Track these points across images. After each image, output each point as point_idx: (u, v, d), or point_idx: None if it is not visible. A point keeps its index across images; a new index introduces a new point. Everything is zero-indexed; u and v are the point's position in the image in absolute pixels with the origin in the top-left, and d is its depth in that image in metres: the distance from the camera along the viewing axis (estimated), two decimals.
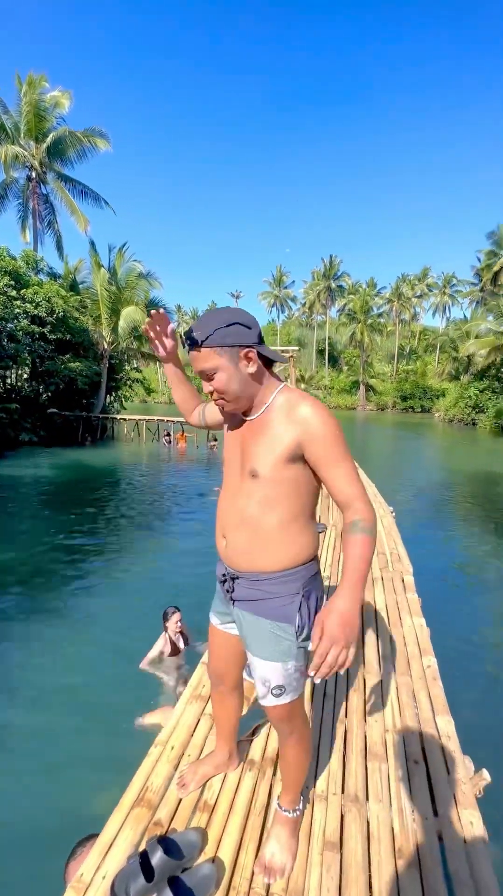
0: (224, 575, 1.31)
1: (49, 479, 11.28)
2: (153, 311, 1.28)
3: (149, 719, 2.92)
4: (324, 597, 1.29)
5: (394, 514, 5.79)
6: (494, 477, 13.27)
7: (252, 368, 1.11)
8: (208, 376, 1.12)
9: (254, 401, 1.16)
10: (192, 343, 1.08)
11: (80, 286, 20.64)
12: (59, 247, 22.00)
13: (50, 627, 4.10)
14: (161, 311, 1.30)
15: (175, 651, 3.53)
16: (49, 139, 19.48)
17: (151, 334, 1.34)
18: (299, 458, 1.13)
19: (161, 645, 3.54)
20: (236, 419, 1.24)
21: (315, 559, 1.26)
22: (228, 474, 1.26)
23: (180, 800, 1.60)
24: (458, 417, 32.08)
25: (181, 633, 3.59)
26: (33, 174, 20.20)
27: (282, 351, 8.58)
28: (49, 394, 17.60)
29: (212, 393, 1.14)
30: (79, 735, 2.83)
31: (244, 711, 2.03)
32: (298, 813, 1.46)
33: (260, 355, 1.13)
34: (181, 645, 3.56)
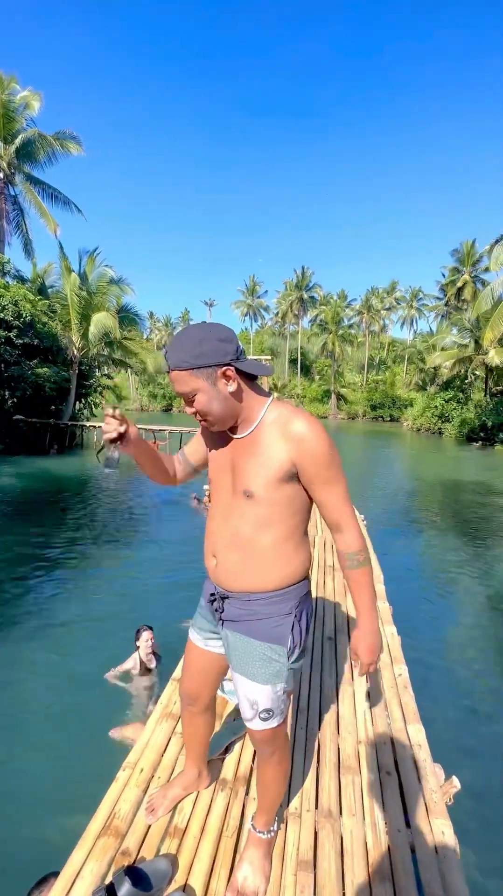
0: (213, 594, 1.27)
1: (13, 488, 10.86)
2: (106, 414, 1.12)
3: (122, 733, 2.83)
4: (313, 614, 1.31)
5: (365, 522, 5.88)
6: (460, 485, 13.73)
7: (232, 387, 1.05)
8: (188, 399, 1.08)
9: (241, 418, 1.11)
10: (169, 366, 1.04)
11: (49, 290, 20.17)
12: (28, 250, 21.47)
13: (13, 642, 3.91)
14: (113, 411, 1.12)
15: (145, 671, 3.43)
16: (18, 140, 19.07)
17: (112, 436, 1.13)
18: (294, 476, 1.10)
19: (131, 664, 3.44)
20: (223, 437, 1.19)
21: (307, 578, 1.25)
22: (217, 493, 1.22)
23: (149, 826, 1.54)
24: (426, 426, 33.09)
25: (153, 652, 3.50)
26: (1, 175, 19.70)
27: (255, 359, 8.58)
28: (14, 400, 17.01)
29: (195, 414, 1.10)
30: (43, 754, 2.71)
31: (217, 728, 1.99)
32: (272, 834, 1.43)
33: (241, 371, 1.07)
34: (152, 665, 3.47)
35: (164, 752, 1.86)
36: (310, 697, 2.24)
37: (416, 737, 1.99)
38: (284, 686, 1.22)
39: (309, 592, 1.26)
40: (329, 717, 2.11)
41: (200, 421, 1.12)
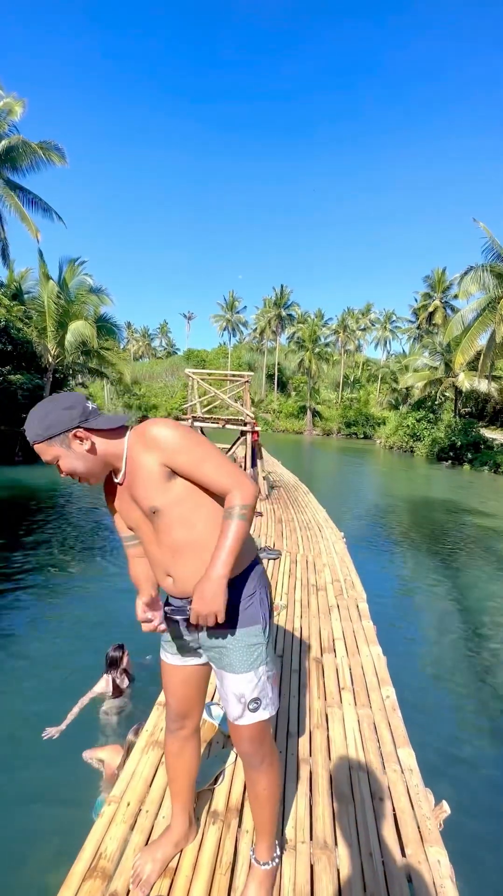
0: (179, 608, 1.28)
1: None
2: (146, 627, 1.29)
3: (95, 755, 2.68)
4: (269, 590, 1.34)
5: (345, 539, 5.92)
6: (432, 503, 14.07)
7: (87, 445, 1.16)
8: (57, 467, 1.19)
9: (110, 465, 1.21)
10: (30, 440, 1.15)
11: (26, 296, 19.75)
12: (5, 255, 21.04)
13: None
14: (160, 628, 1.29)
15: (118, 692, 3.30)
16: (0, 146, 18.84)
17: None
18: (172, 474, 1.16)
19: (102, 686, 3.29)
20: (113, 489, 1.29)
21: (258, 558, 1.33)
22: (140, 531, 1.27)
23: None
24: (398, 445, 33.90)
25: (126, 671, 3.37)
26: None
27: (237, 376, 8.66)
28: None
29: (69, 475, 1.19)
30: (11, 785, 2.53)
31: (206, 756, 1.93)
32: (276, 863, 1.39)
33: (93, 428, 1.16)
34: (125, 685, 3.34)
35: (152, 783, 1.78)
36: (300, 721, 2.21)
37: (407, 761, 1.98)
38: (266, 669, 1.27)
39: (264, 570, 1.33)
40: (319, 742, 2.08)
41: (79, 480, 1.20)
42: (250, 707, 1.25)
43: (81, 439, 1.15)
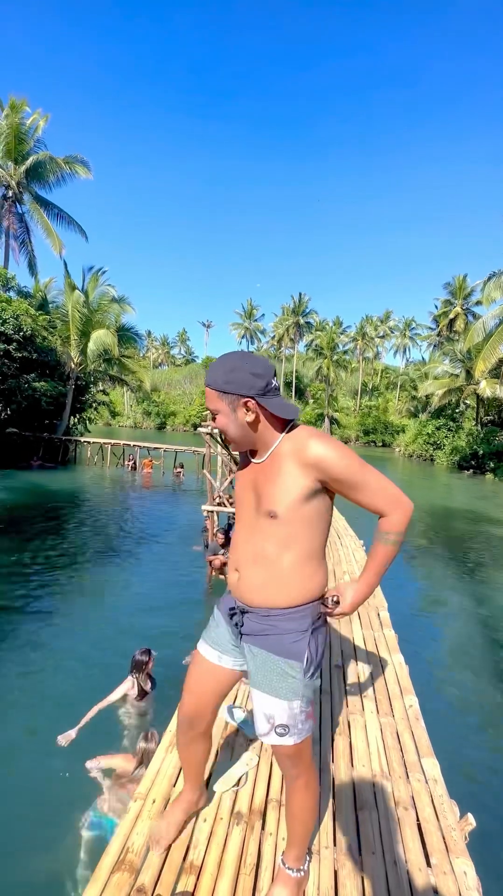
0: (233, 608, 1.30)
1: (2, 501, 10.69)
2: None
3: (104, 763, 2.69)
4: (328, 634, 1.32)
5: (364, 547, 5.88)
6: (453, 512, 13.81)
7: (250, 417, 1.14)
8: (212, 415, 1.19)
9: (257, 445, 1.20)
10: (206, 382, 1.16)
11: (50, 306, 20.36)
12: (32, 266, 21.76)
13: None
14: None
15: (142, 695, 3.34)
16: (28, 162, 19.57)
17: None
18: (317, 493, 1.16)
19: (127, 687, 3.34)
20: (246, 460, 1.28)
21: (323, 596, 1.27)
22: (242, 512, 1.29)
23: (164, 861, 1.48)
24: (418, 453, 33.41)
25: (150, 675, 3.42)
26: (10, 194, 20.11)
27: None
28: (9, 412, 16.92)
29: (219, 429, 1.21)
30: (30, 789, 2.59)
31: (230, 758, 1.95)
32: (303, 873, 1.39)
33: (263, 406, 1.13)
34: (148, 687, 3.39)
35: (176, 782, 1.81)
36: (322, 727, 2.20)
37: (432, 771, 1.96)
38: (301, 704, 1.22)
39: (325, 617, 1.29)
40: (342, 749, 2.07)
41: (225, 440, 1.22)
42: (277, 731, 1.23)
43: (248, 409, 1.14)
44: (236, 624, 1.28)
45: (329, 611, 1.23)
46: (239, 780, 1.84)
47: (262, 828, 1.64)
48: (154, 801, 1.70)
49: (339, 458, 1.12)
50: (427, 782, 1.91)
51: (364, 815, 1.72)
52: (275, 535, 1.18)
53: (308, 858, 1.43)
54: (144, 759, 2.45)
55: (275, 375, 1.17)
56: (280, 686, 1.21)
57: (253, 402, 1.12)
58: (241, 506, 1.27)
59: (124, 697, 3.32)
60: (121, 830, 1.57)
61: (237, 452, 1.30)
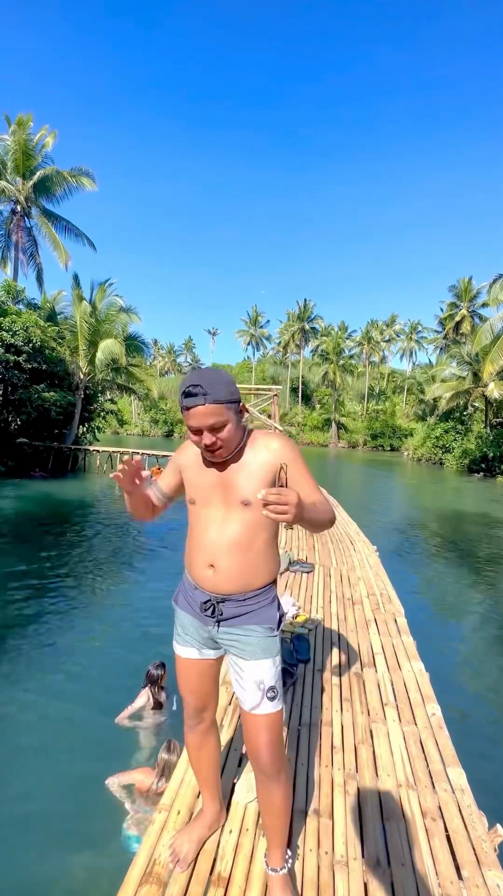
0: (207, 601, 1.37)
1: (13, 511, 10.77)
2: (125, 460, 1.35)
3: (124, 779, 2.66)
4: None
5: (377, 552, 5.83)
6: (465, 515, 13.66)
7: (243, 419, 1.31)
8: (215, 429, 1.22)
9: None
10: (205, 400, 1.17)
11: (59, 317, 20.64)
12: (40, 279, 22.12)
13: (11, 676, 3.79)
14: (134, 459, 1.39)
15: (158, 706, 3.33)
16: (36, 177, 19.95)
17: (123, 479, 1.35)
18: (274, 482, 1.28)
19: (143, 701, 3.34)
20: (205, 461, 1.36)
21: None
22: (209, 510, 1.36)
23: (192, 873, 1.47)
24: (426, 456, 33.18)
25: (163, 688, 3.41)
26: (18, 208, 20.50)
27: (265, 389, 8.76)
28: (19, 423, 17.11)
29: (212, 444, 1.23)
30: (52, 805, 2.58)
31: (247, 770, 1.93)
32: (290, 864, 1.44)
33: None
34: (163, 698, 3.38)
35: (200, 793, 1.79)
36: (344, 736, 2.18)
37: (458, 780, 1.93)
38: (279, 660, 1.38)
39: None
40: (365, 758, 2.05)
41: (216, 451, 1.25)
42: (268, 695, 1.32)
43: (243, 412, 1.30)
44: (212, 614, 1.36)
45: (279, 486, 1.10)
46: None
47: (289, 840, 1.62)
48: (179, 813, 1.69)
49: (292, 448, 1.33)
50: (454, 792, 1.87)
51: (391, 826, 1.70)
52: (248, 522, 1.30)
53: (289, 854, 1.45)
54: (165, 771, 2.43)
55: None
56: (265, 647, 1.34)
57: (244, 404, 1.31)
58: (208, 504, 1.35)
59: (141, 711, 3.32)
60: (146, 843, 1.56)
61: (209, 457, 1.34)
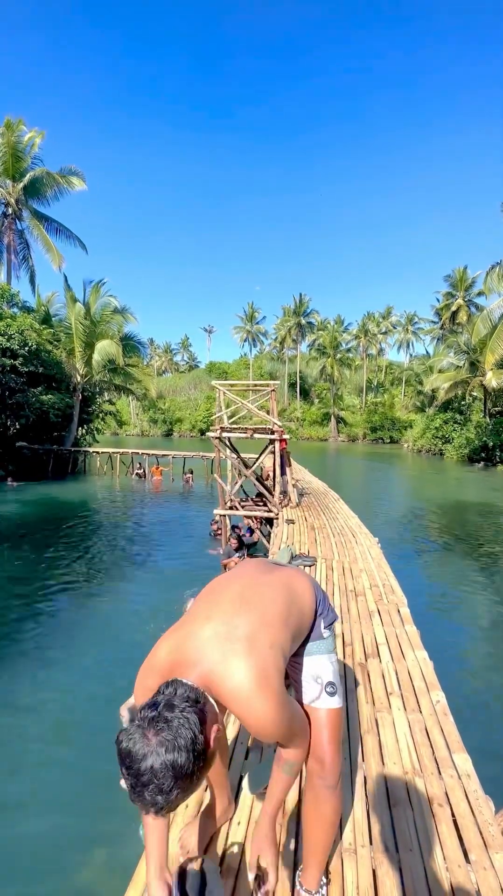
0: None
1: (15, 515, 10.79)
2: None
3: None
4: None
5: (379, 544, 5.84)
6: (466, 505, 13.68)
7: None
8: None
9: None
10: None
11: (53, 319, 20.61)
12: (32, 281, 22.03)
13: (16, 678, 3.80)
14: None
15: None
16: (26, 179, 19.85)
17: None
18: None
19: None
20: None
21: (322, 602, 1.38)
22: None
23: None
24: (426, 448, 33.18)
25: None
26: (9, 211, 20.40)
27: (264, 386, 8.75)
28: (17, 426, 17.11)
29: None
30: (64, 808, 2.60)
31: (259, 761, 1.94)
32: (323, 892, 1.36)
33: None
34: None
35: (208, 786, 1.80)
36: (350, 726, 2.19)
37: (464, 766, 1.94)
38: (335, 657, 1.34)
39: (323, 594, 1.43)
40: (371, 747, 2.06)
41: None
42: (328, 690, 1.27)
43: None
44: None
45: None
46: (265, 787, 1.83)
47: (297, 833, 1.63)
48: (187, 807, 1.70)
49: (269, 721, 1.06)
50: (460, 778, 1.88)
51: (398, 812, 1.71)
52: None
53: (325, 881, 1.38)
54: None
55: None
56: (321, 645, 1.31)
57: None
58: None
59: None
60: None
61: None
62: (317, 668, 1.30)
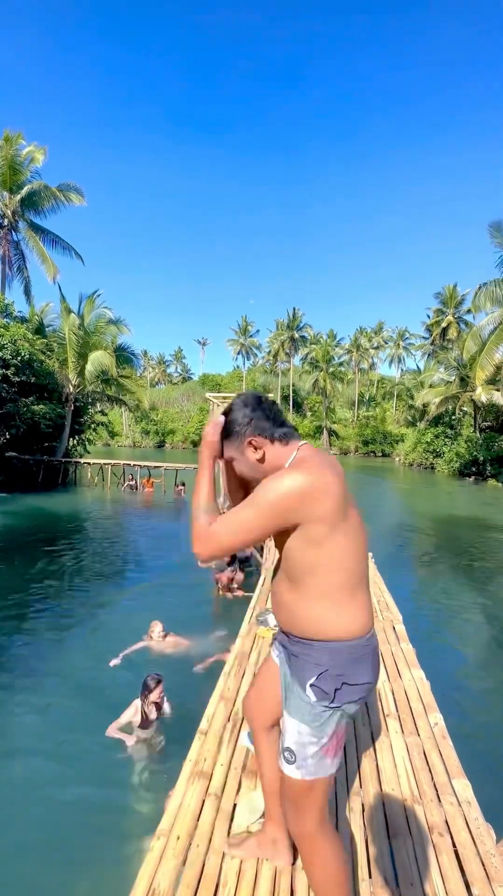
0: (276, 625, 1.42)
1: (3, 526, 10.59)
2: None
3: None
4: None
5: (372, 558, 5.80)
6: (459, 520, 13.72)
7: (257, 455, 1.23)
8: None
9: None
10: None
11: (47, 329, 20.57)
12: (28, 292, 22.04)
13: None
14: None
15: (146, 723, 3.24)
16: (24, 191, 19.99)
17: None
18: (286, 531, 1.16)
19: (131, 714, 3.26)
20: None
21: (345, 641, 1.16)
22: None
23: None
24: (418, 461, 33.39)
25: (156, 703, 3.31)
26: (5, 222, 20.49)
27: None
28: (8, 436, 16.91)
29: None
30: (32, 819, 2.49)
31: (254, 788, 1.87)
32: None
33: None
34: (153, 716, 3.29)
35: (200, 816, 1.73)
36: (346, 749, 2.13)
37: (464, 793, 1.89)
38: (310, 732, 1.16)
39: (347, 656, 1.16)
40: (369, 771, 2.00)
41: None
42: (284, 755, 1.21)
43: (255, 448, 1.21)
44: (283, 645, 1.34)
45: None
46: (264, 811, 1.77)
47: (294, 861, 1.56)
48: (178, 838, 1.62)
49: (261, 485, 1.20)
50: (460, 805, 1.83)
51: (398, 843, 1.65)
52: (282, 573, 1.30)
53: None
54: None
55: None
56: (298, 707, 1.19)
57: (257, 438, 1.23)
58: None
59: (128, 726, 3.23)
60: (145, 870, 1.50)
61: None
62: (285, 727, 1.22)
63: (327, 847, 1.23)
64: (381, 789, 1.91)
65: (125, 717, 3.26)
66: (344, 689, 1.15)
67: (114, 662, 4.13)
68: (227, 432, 1.23)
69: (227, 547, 1.15)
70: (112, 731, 3.21)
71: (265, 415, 1.20)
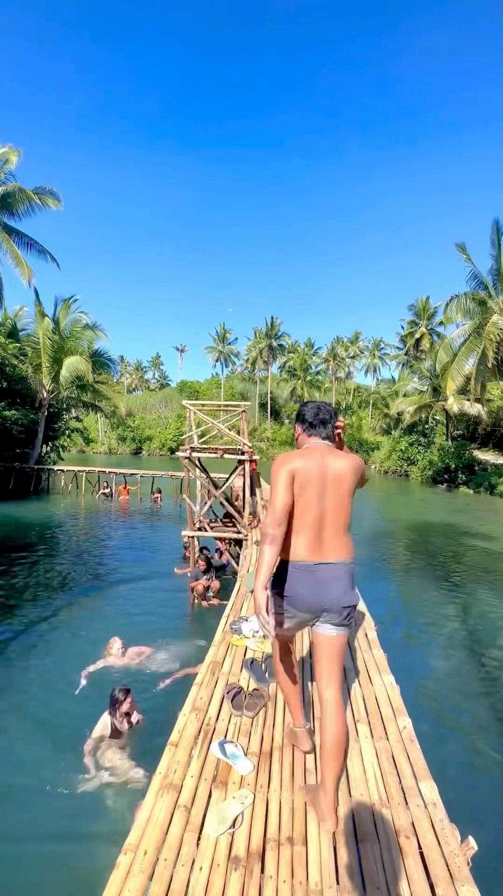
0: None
1: None
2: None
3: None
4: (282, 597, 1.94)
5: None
6: (431, 526, 14.03)
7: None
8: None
9: None
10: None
11: (21, 333, 20.11)
12: (0, 295, 21.51)
13: None
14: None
15: (117, 734, 3.19)
16: None
17: None
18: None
19: (100, 729, 3.20)
20: None
21: (288, 560, 1.93)
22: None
23: None
24: (393, 469, 34.03)
25: (127, 714, 3.27)
26: None
27: (233, 406, 8.78)
28: None
29: None
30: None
31: (223, 798, 1.86)
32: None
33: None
34: (124, 728, 3.24)
35: (168, 829, 1.71)
36: (317, 756, 2.14)
37: (430, 795, 1.92)
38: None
39: (287, 573, 1.92)
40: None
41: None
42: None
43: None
44: None
45: None
46: (234, 820, 1.76)
47: (262, 871, 1.56)
48: (146, 853, 1.60)
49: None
50: (426, 807, 1.87)
51: (366, 849, 1.67)
52: None
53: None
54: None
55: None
56: None
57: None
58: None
59: (100, 741, 3.18)
60: (111, 888, 1.47)
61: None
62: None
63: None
64: (350, 794, 1.93)
65: (96, 732, 3.20)
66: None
67: (81, 685, 3.99)
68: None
69: (274, 508, 1.84)
70: (87, 746, 3.14)
71: (304, 415, 2.05)
